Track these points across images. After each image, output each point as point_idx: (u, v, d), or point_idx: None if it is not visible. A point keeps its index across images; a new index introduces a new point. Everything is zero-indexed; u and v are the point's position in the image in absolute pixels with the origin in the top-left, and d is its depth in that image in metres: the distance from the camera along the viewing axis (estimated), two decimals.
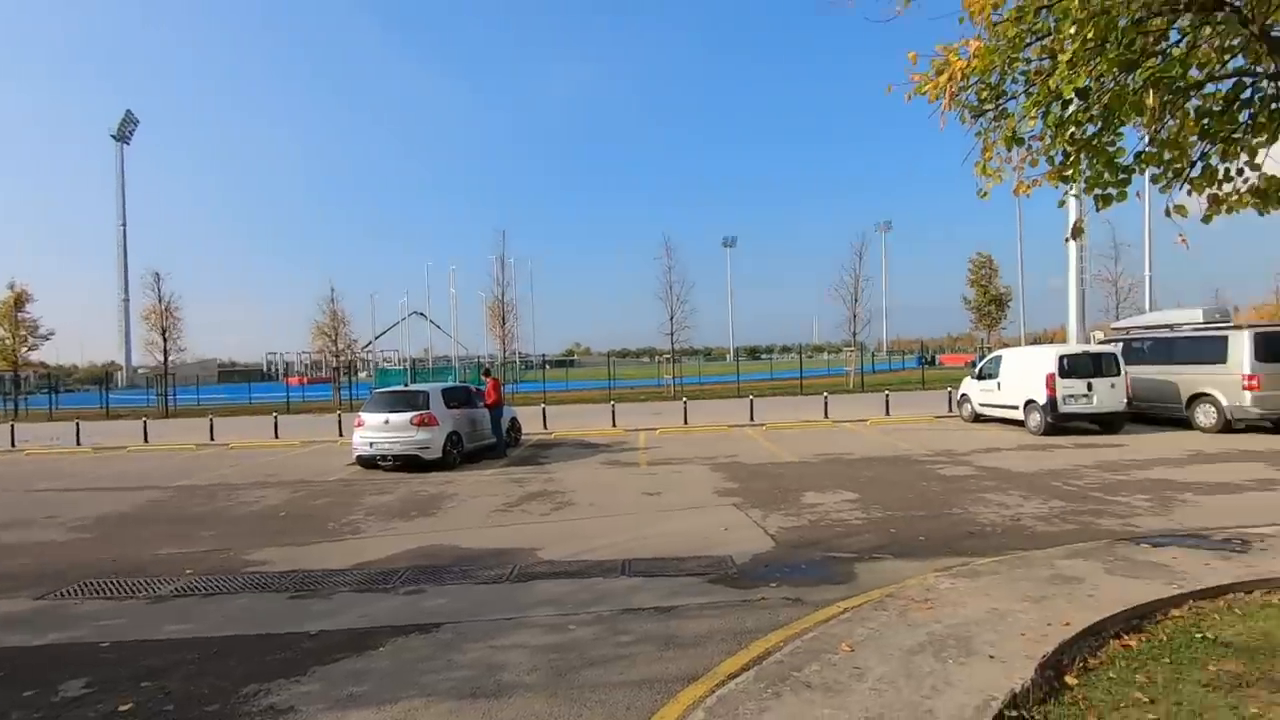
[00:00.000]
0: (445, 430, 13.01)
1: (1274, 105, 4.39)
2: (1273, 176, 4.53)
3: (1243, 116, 4.48)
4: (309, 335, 34.82)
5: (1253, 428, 13.82)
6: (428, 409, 12.93)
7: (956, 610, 4.78)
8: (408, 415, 12.78)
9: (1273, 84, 4.26)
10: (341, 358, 34.38)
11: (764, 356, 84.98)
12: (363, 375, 48.98)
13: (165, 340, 31.08)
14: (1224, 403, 13.84)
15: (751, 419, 19.19)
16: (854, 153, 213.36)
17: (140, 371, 64.11)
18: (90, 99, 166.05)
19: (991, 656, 4.02)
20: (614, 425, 19.02)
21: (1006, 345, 29.59)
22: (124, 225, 76.77)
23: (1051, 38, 4.31)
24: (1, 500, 11.48)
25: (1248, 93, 4.40)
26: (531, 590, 6.01)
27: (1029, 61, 4.36)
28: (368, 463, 13.22)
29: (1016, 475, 10.50)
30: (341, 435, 18.27)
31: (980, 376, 17.44)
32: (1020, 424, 15.62)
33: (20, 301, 32.16)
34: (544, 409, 20.65)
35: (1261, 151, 4.62)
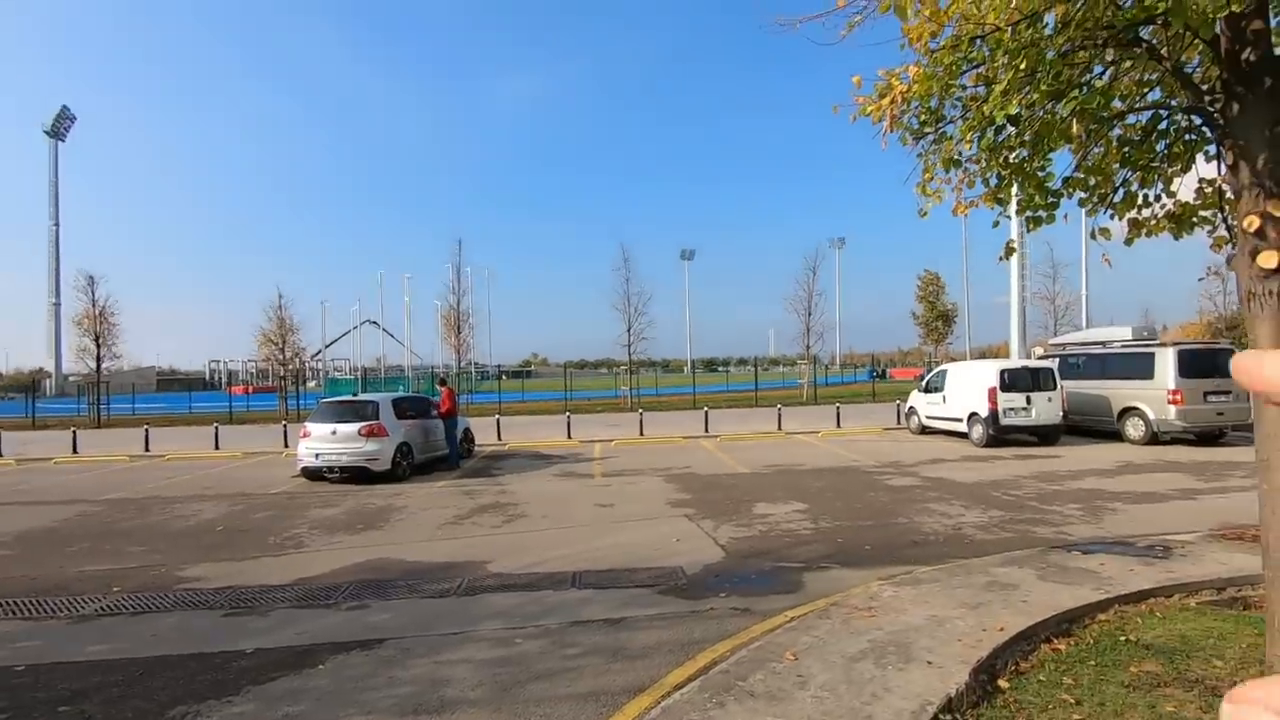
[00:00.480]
0: (395, 441, 12.74)
1: (1187, 136, 4.69)
2: (1186, 203, 4.83)
3: (1160, 146, 4.77)
4: (255, 343, 33.65)
5: (1177, 439, 14.58)
6: (377, 419, 12.65)
7: (898, 617, 4.90)
8: (356, 426, 12.47)
9: (1185, 117, 4.55)
10: (289, 366, 33.36)
11: (721, 369, 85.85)
12: (311, 385, 47.63)
13: (99, 346, 29.62)
14: (1151, 416, 14.57)
15: (706, 430, 19.34)
16: (808, 171, 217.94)
17: (71, 379, 60.91)
18: (24, 93, 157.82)
19: (929, 662, 4.13)
20: (569, 436, 18.93)
21: (953, 360, 30.60)
22: (56, 225, 73.08)
23: (986, 66, 4.52)
24: None
25: (1164, 124, 4.69)
26: (479, 604, 5.93)
27: (965, 88, 4.56)
28: (313, 474, 12.84)
29: (959, 486, 10.83)
30: (287, 446, 17.70)
31: (927, 390, 17.96)
32: (964, 436, 16.13)
33: None
34: (498, 420, 20.42)
35: (1176, 179, 4.92)
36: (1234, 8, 3.25)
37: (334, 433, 12.48)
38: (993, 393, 15.05)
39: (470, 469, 14.21)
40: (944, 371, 17.62)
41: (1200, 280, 33.30)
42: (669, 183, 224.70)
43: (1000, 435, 15.12)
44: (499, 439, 18.73)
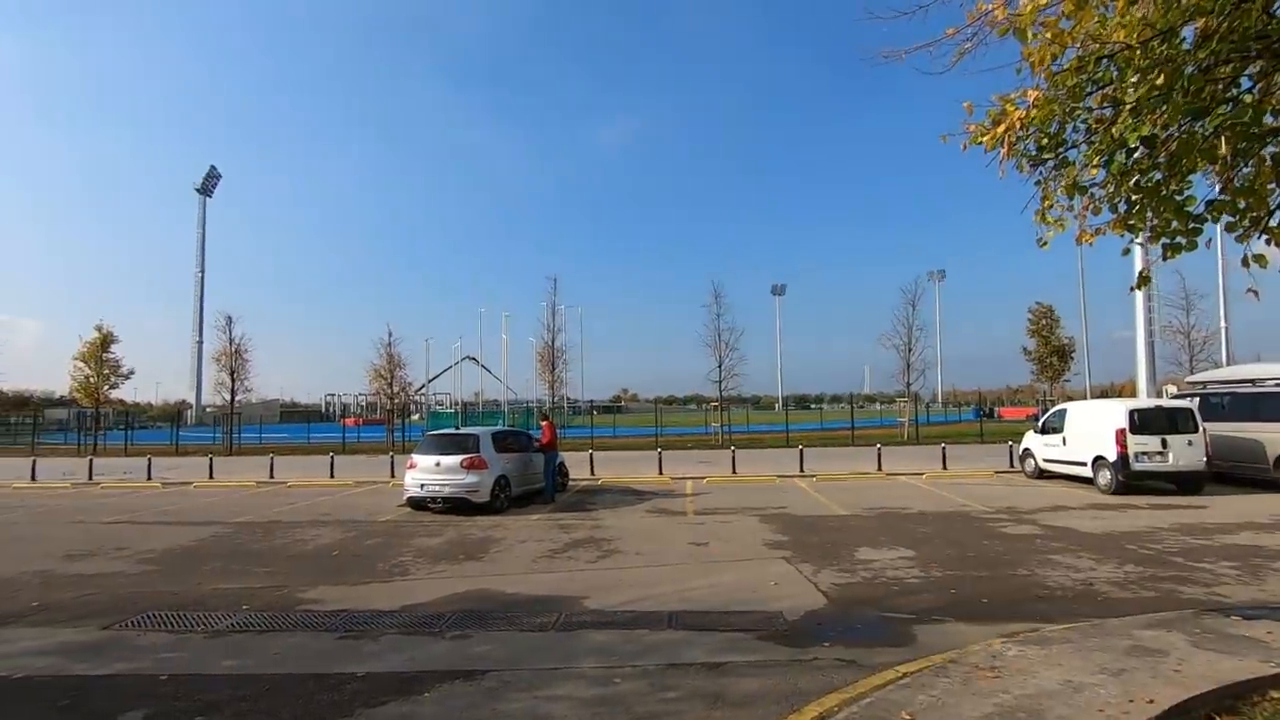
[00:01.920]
0: (494, 474, 13.12)
1: None
2: None
3: None
4: (366, 378, 35.88)
5: None
6: (478, 452, 13.10)
7: (1026, 680, 4.48)
8: (458, 458, 12.97)
9: None
10: (396, 400, 35.29)
11: (813, 406, 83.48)
12: (415, 417, 50.06)
13: (234, 380, 32.53)
14: None
15: (801, 469, 18.77)
16: (906, 201, 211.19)
17: (209, 410, 67.09)
18: (172, 153, 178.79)
19: None
20: (661, 473, 18.87)
21: (1071, 398, 28.32)
22: (201, 272, 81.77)
23: (1114, 86, 4.26)
24: (79, 531, 12.03)
25: None
26: (577, 640, 5.92)
27: (1090, 110, 4.31)
28: (418, 504, 13.41)
29: (1086, 536, 9.92)
30: (393, 476, 18.62)
31: (1043, 430, 16.71)
32: (1088, 481, 14.81)
33: (106, 342, 34.23)
34: (591, 454, 20.66)
35: None
36: None
37: (438, 464, 13.02)
38: (1121, 434, 13.79)
39: (565, 503, 14.40)
40: (1063, 411, 16.35)
41: None
42: (760, 219, 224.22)
43: (1131, 482, 13.80)
44: (592, 473, 18.92)
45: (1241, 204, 4.52)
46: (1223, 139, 3.98)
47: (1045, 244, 5.01)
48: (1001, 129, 4.43)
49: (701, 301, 34.52)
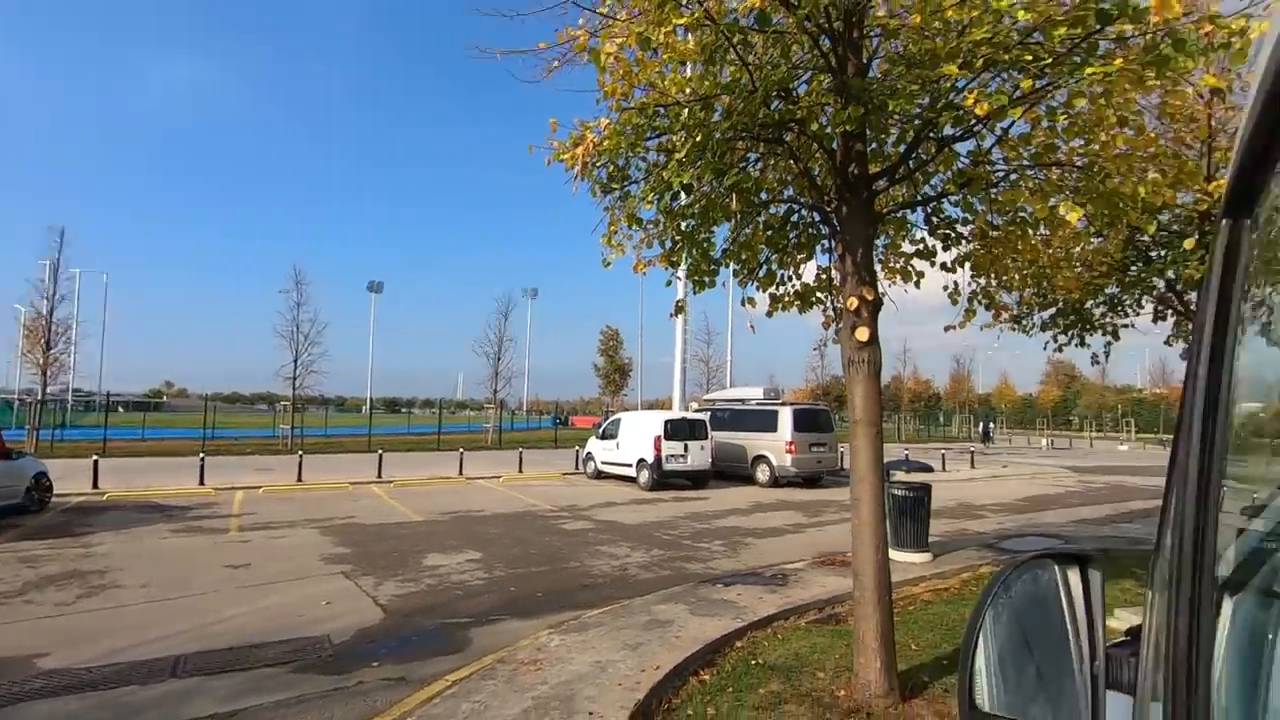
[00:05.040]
0: None
1: (811, 230, 5.68)
2: (807, 284, 5.82)
3: (792, 235, 5.69)
4: None
5: (791, 483, 17.74)
6: None
7: (564, 668, 4.77)
8: None
9: (810, 213, 5.50)
10: None
11: (404, 410, 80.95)
12: None
13: None
14: (774, 463, 17.54)
15: (380, 475, 17.72)
16: (501, 215, 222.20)
17: None
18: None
19: (591, 713, 4.04)
20: (202, 483, 15.64)
21: (627, 409, 33.38)
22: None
23: (667, 136, 4.92)
24: None
25: (796, 216, 5.62)
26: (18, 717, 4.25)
27: (649, 151, 4.89)
28: None
29: (628, 527, 11.51)
30: None
31: (603, 436, 19.12)
32: (634, 480, 17.44)
33: None
34: (96, 461, 15.96)
35: (804, 264, 5.93)
36: (847, 127, 3.99)
37: None
38: (658, 440, 16.60)
39: (40, 526, 10.70)
40: (619, 420, 18.98)
41: (814, 350, 41.99)
42: (355, 211, 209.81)
43: (663, 479, 16.69)
44: (95, 486, 14.62)
45: (743, 256, 5.71)
46: (734, 198, 4.92)
47: (609, 265, 5.52)
48: (580, 150, 4.71)
49: (281, 287, 29.92)
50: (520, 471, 19.81)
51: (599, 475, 19.03)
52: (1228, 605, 0.84)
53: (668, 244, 5.51)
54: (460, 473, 19.03)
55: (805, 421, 17.68)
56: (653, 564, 8.81)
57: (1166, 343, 8.94)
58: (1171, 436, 0.76)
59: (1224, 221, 0.72)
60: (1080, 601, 1.08)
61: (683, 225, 5.43)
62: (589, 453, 19.68)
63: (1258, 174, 0.65)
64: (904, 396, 62.08)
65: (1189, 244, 5.84)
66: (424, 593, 7.29)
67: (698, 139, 4.36)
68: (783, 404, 18.81)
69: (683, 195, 4.81)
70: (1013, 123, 4.23)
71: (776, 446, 17.58)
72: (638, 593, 7.16)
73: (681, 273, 5.79)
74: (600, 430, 19.65)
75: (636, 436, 17.49)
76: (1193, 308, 7.78)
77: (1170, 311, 8.23)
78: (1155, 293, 8.11)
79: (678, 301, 6.25)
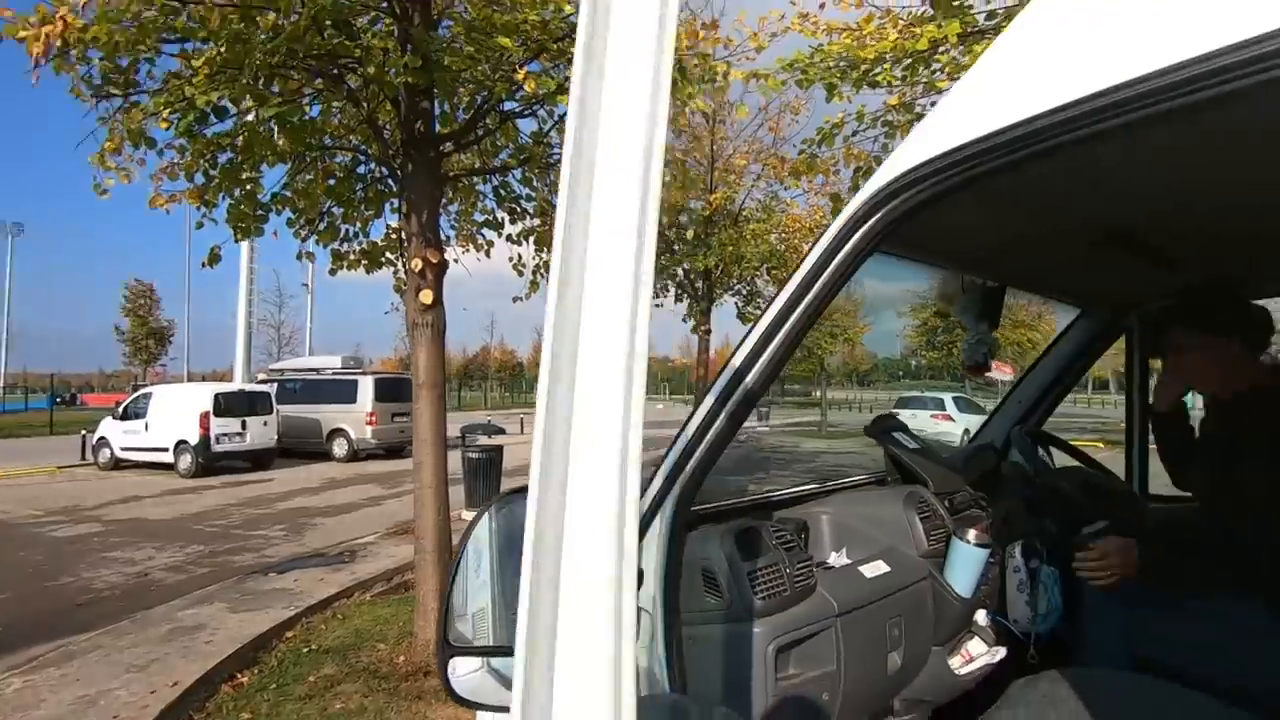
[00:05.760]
0: None
1: (380, 187, 5.36)
2: (375, 243, 5.51)
3: (359, 188, 5.29)
4: None
5: (372, 455, 16.92)
6: None
7: (26, 716, 3.63)
8: None
9: (378, 167, 5.18)
10: None
11: None
12: None
13: None
14: (353, 435, 16.48)
15: None
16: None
17: None
18: None
19: None
20: None
21: (171, 384, 27.24)
22: None
23: (193, 45, 4.04)
24: None
25: (362, 168, 5.23)
26: None
27: (163, 56, 3.95)
28: None
29: (156, 524, 9.43)
30: None
31: (125, 416, 15.26)
32: (170, 467, 14.37)
33: None
34: None
35: (371, 221, 5.56)
36: (409, 79, 3.83)
37: None
38: (205, 418, 13.99)
39: None
40: (149, 394, 15.43)
41: (386, 314, 40.44)
42: None
43: (212, 463, 14.18)
44: None
45: (300, 204, 5.09)
46: (284, 137, 4.32)
47: (106, 192, 4.35)
48: (49, 30, 3.54)
49: None
50: None
51: (118, 465, 15.17)
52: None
53: (198, 179, 4.57)
54: None
55: (388, 391, 16.99)
56: (187, 563, 7.40)
57: (684, 319, 11.25)
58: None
59: None
60: None
61: (220, 159, 4.56)
62: (101, 437, 15.47)
63: None
64: (491, 365, 65.18)
65: (690, 234, 7.36)
66: None
67: (231, 54, 3.67)
68: (363, 373, 17.75)
69: (213, 118, 4.03)
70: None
71: (356, 418, 16.54)
72: (161, 600, 5.90)
73: (219, 215, 4.89)
74: (121, 409, 15.63)
75: (174, 414, 14.39)
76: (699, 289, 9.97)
77: (685, 294, 10.33)
78: (676, 279, 10.07)
79: (213, 249, 5.24)
